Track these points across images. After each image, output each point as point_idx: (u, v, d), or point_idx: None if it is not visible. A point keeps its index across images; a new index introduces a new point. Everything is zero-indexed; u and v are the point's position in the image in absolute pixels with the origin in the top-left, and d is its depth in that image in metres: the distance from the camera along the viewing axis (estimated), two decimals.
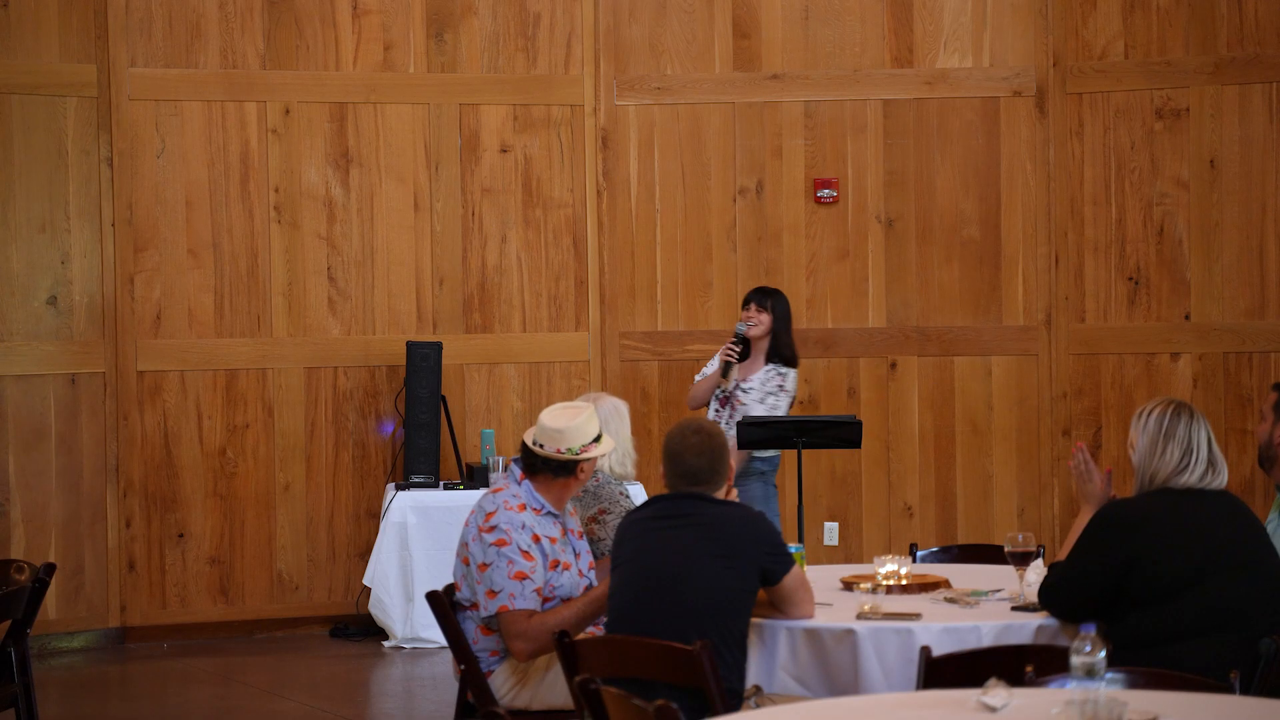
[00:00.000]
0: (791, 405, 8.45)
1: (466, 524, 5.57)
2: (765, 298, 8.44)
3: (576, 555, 5.63)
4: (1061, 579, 5.00)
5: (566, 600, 5.51)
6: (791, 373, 8.40)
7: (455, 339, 9.74)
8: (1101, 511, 5.01)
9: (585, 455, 5.53)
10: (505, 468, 5.75)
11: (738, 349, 8.36)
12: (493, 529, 5.46)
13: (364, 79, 9.69)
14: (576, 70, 9.91)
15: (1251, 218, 9.47)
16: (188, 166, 9.48)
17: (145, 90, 9.40)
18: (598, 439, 5.59)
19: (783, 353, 8.41)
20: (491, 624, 5.53)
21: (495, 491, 5.57)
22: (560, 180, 9.90)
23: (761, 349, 8.42)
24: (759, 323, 8.38)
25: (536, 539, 5.49)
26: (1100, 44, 9.68)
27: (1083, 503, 5.33)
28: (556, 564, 5.54)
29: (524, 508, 5.51)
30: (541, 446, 5.54)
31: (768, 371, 8.36)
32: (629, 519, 5.20)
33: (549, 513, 5.57)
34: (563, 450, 5.53)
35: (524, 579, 5.42)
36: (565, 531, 5.62)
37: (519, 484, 5.57)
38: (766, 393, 8.31)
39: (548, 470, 5.55)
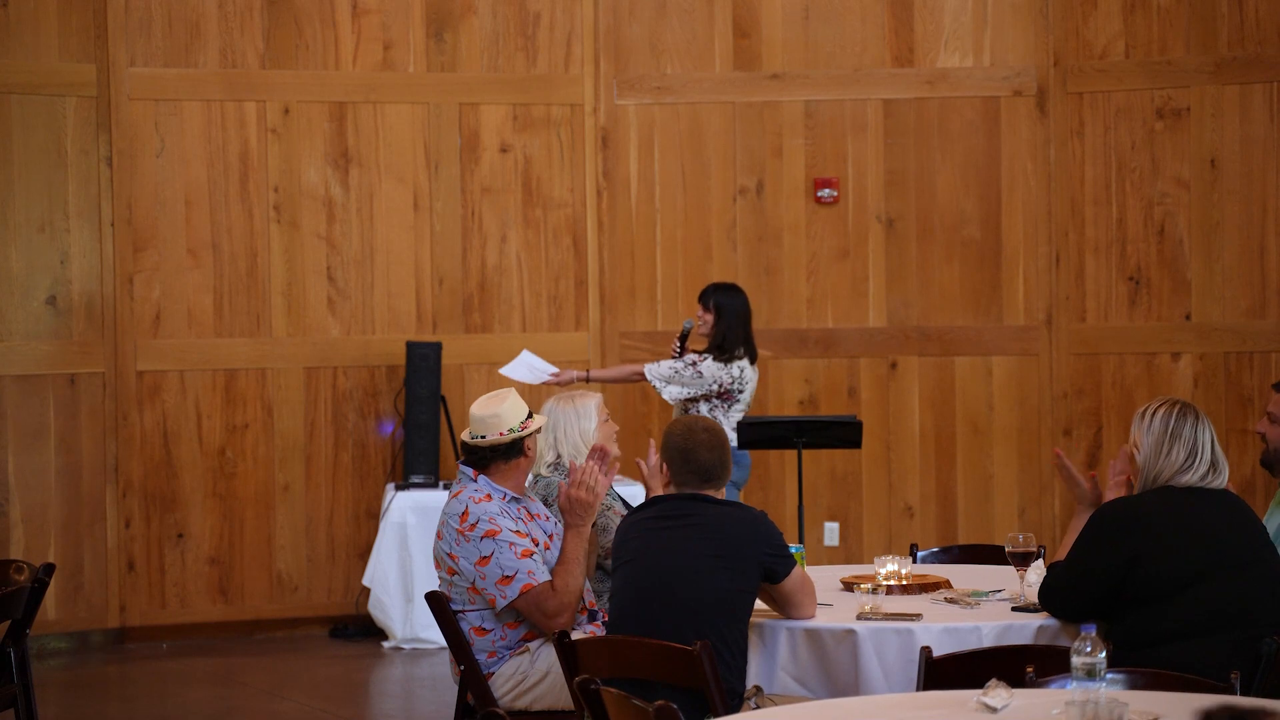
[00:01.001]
0: (724, 395, 8.35)
1: (439, 536, 5.59)
2: (709, 296, 8.49)
3: (549, 536, 5.68)
4: (1061, 579, 4.99)
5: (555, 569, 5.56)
6: (709, 362, 8.33)
7: (455, 339, 9.73)
8: (1101, 510, 5.01)
9: (527, 430, 5.63)
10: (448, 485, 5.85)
11: (679, 344, 8.48)
12: (474, 524, 5.50)
13: (363, 78, 9.68)
14: (576, 70, 9.90)
15: (1252, 218, 9.46)
16: (187, 166, 9.48)
17: (144, 90, 9.39)
18: (530, 415, 5.70)
19: (720, 344, 8.38)
20: (505, 616, 5.53)
21: (455, 495, 5.62)
22: (560, 180, 9.90)
23: (713, 343, 8.44)
24: (705, 322, 8.44)
25: (515, 521, 5.56)
26: (1101, 43, 9.67)
27: (1076, 505, 5.34)
28: (537, 543, 5.58)
29: (490, 498, 5.58)
30: (484, 437, 5.62)
31: (692, 354, 8.41)
32: (630, 519, 5.20)
33: (512, 499, 5.65)
34: (505, 432, 5.61)
35: (531, 555, 5.48)
36: (531, 516, 5.67)
37: (475, 481, 5.62)
38: (675, 370, 8.33)
39: (497, 458, 5.63)
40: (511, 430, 5.61)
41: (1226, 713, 2.47)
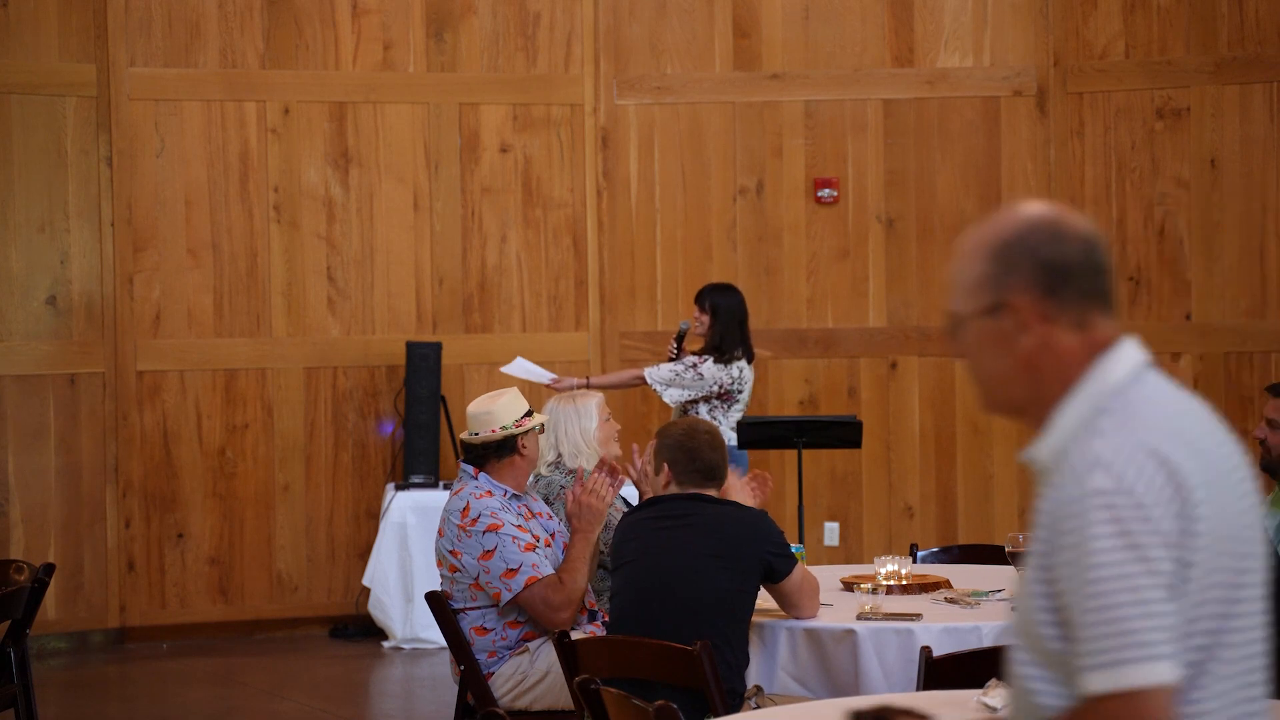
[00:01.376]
0: (725, 396, 8.34)
1: (441, 534, 5.61)
2: (705, 297, 8.46)
3: (550, 534, 5.69)
4: None
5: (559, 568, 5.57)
6: (710, 363, 8.31)
7: (455, 339, 9.73)
8: None
9: (522, 428, 5.65)
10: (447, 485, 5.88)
11: (675, 345, 8.45)
12: (476, 519, 5.51)
13: (363, 79, 9.68)
14: (576, 70, 9.90)
15: (1252, 217, 9.47)
16: (187, 166, 9.48)
17: (144, 90, 9.39)
18: (529, 413, 5.72)
19: (719, 345, 8.35)
20: (506, 615, 5.54)
21: (456, 493, 5.65)
22: (560, 180, 9.90)
23: (711, 344, 8.41)
24: (701, 322, 8.41)
25: (517, 517, 5.57)
26: (1101, 43, 9.68)
27: None
28: (538, 539, 5.60)
29: (491, 494, 5.61)
30: (477, 434, 5.66)
31: (691, 356, 8.38)
32: (629, 519, 5.20)
33: (513, 496, 5.68)
34: (497, 429, 5.65)
35: (534, 549, 5.49)
36: (532, 514, 5.69)
37: (475, 479, 5.65)
38: (676, 373, 8.31)
39: (492, 455, 5.67)
40: (504, 427, 5.64)
41: (876, 714, 2.58)
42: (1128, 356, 2.53)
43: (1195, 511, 2.39)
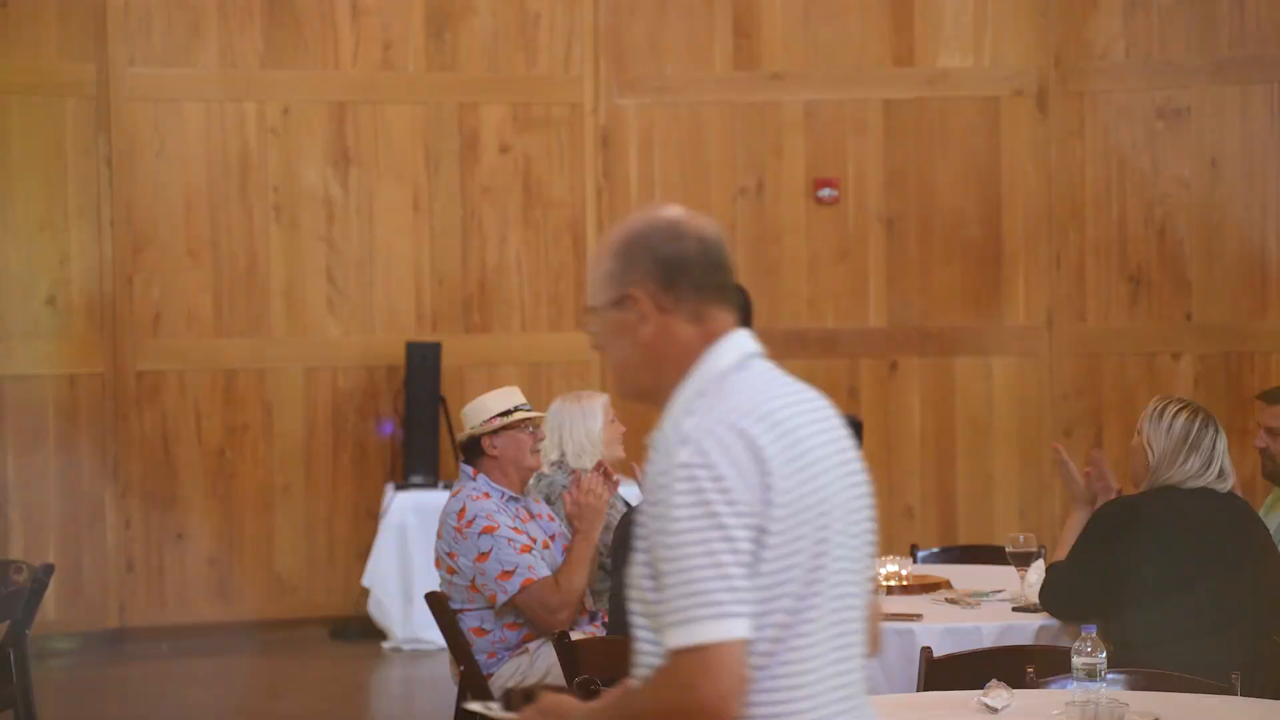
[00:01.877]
0: None
1: (439, 536, 5.62)
2: None
3: (550, 536, 5.68)
4: (1062, 579, 4.99)
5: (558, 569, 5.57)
6: None
7: (454, 339, 9.72)
8: (1101, 510, 5.01)
9: (489, 428, 5.64)
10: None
11: None
12: (472, 521, 5.52)
13: (363, 78, 9.68)
14: (576, 70, 9.90)
15: (1253, 218, 9.46)
16: (186, 166, 9.47)
17: (144, 90, 9.39)
18: (507, 412, 5.67)
19: None
20: (504, 616, 5.53)
21: (455, 494, 5.67)
22: (560, 180, 9.89)
23: None
24: None
25: (514, 519, 5.58)
26: (1101, 43, 9.67)
27: (1070, 504, 5.36)
28: (535, 540, 5.61)
29: (488, 496, 5.61)
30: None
31: None
32: (628, 518, 5.19)
33: (510, 498, 5.68)
34: (465, 430, 5.68)
35: (530, 550, 5.48)
36: (531, 515, 5.68)
37: (474, 480, 5.66)
38: None
39: (471, 454, 5.68)
40: (472, 428, 5.64)
41: (525, 692, 2.82)
42: (735, 346, 2.78)
43: (774, 484, 2.61)
